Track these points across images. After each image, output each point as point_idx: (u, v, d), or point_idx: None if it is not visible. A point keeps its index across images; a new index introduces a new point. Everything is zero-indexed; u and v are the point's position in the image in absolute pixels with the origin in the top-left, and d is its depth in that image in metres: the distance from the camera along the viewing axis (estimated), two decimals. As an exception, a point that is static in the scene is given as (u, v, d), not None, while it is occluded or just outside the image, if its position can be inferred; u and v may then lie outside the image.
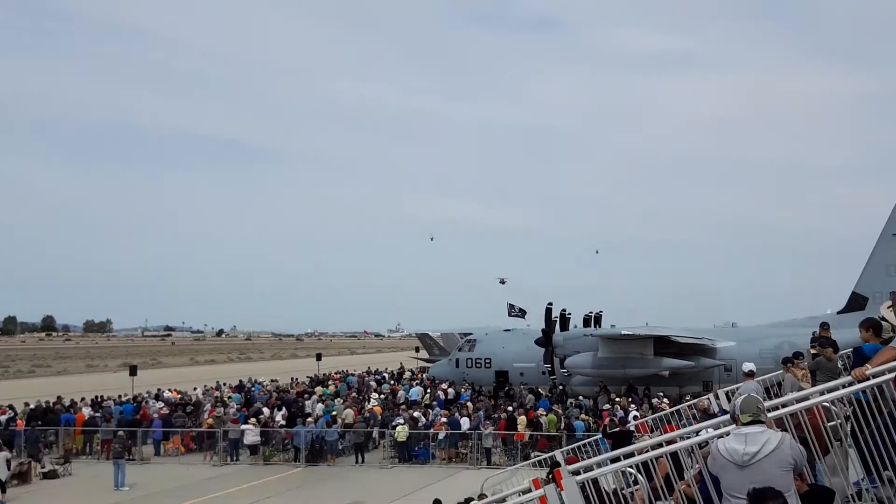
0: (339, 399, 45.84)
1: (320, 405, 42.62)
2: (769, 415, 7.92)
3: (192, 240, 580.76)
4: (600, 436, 20.86)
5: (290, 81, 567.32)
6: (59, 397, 45.97)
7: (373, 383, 56.61)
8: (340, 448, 37.60)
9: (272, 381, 58.88)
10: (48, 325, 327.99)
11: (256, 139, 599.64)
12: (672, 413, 19.79)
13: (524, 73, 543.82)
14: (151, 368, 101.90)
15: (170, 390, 52.98)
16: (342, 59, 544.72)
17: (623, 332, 44.45)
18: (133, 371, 54.84)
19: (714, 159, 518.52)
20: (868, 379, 8.69)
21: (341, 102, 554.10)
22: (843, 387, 9.05)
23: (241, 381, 59.43)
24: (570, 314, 51.14)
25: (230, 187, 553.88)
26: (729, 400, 16.78)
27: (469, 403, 41.03)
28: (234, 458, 37.43)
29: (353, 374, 64.50)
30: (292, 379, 62.99)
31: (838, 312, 42.57)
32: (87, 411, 42.60)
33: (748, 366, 16.94)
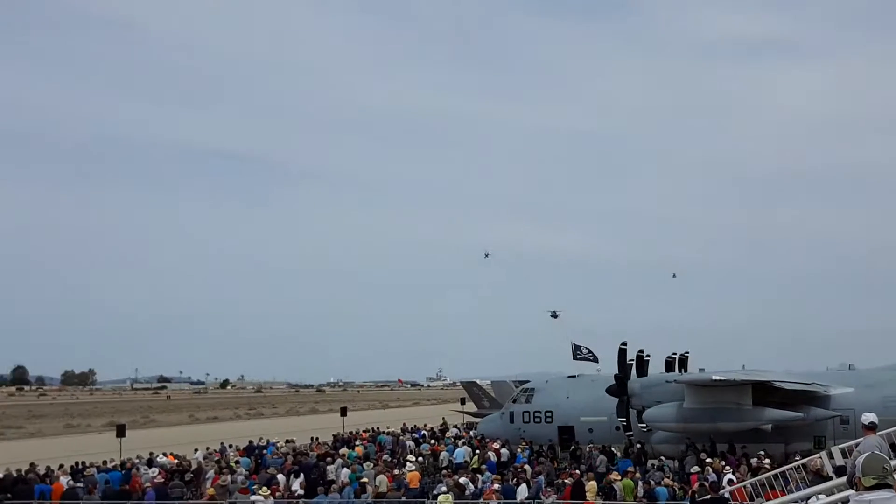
0: (368, 463, 45.79)
1: (346, 470, 42.59)
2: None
3: (189, 273, 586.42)
4: (688, 505, 20.68)
5: (298, 80, 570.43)
6: (32, 464, 46.25)
7: (410, 443, 56.50)
8: (371, 522, 37.54)
9: (288, 441, 58.95)
10: (20, 378, 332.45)
11: (258, 150, 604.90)
12: (776, 476, 19.58)
13: (585, 68, 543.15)
14: (143, 428, 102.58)
15: (165, 454, 53.24)
16: (359, 53, 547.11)
17: (714, 378, 44.02)
18: (121, 431, 55.15)
19: (822, 169, 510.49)
20: None
21: (360, 106, 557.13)
22: None
23: (250, 441, 59.57)
24: (648, 356, 50.86)
25: (231, 208, 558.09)
26: (846, 458, 16.58)
27: (527, 466, 40.82)
28: (243, 536, 37.51)
29: (385, 433, 64.47)
30: (312, 439, 63.04)
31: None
32: (65, 481, 42.83)
33: (869, 417, 16.72)
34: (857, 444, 16.58)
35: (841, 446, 30.64)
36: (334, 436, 63.96)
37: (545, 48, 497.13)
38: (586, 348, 53.10)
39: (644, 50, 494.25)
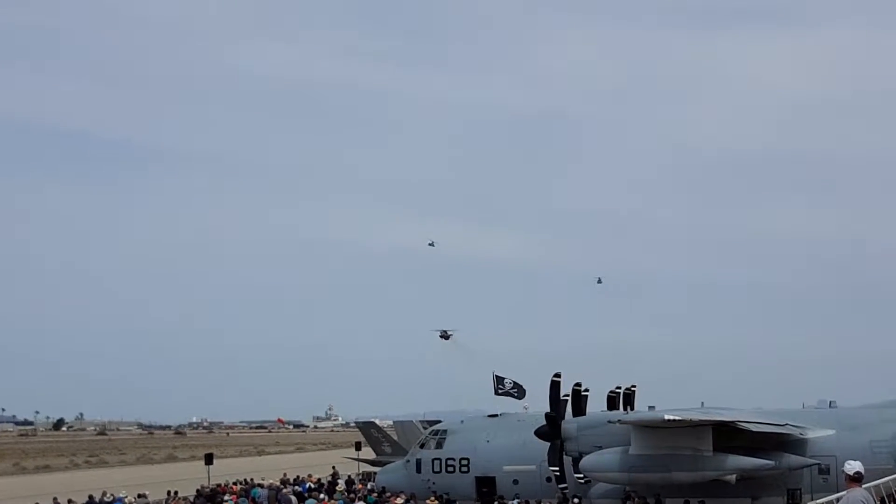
0: (239, 523, 45.57)
1: (211, 533, 42.32)
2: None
3: (9, 283, 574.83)
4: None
5: (168, 45, 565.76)
6: None
7: (292, 498, 56.23)
8: None
9: (139, 496, 58.34)
10: None
11: (110, 130, 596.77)
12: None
13: (525, 33, 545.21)
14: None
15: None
16: (250, 13, 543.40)
17: (667, 417, 44.09)
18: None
19: (809, 159, 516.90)
20: None
21: (251, 76, 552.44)
22: None
23: (90, 497, 58.84)
24: (587, 391, 51.20)
25: (72, 199, 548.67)
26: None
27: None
28: None
29: (261, 485, 64.08)
30: (169, 493, 62.46)
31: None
32: None
33: (854, 466, 16.97)
34: (838, 499, 16.89)
35: (820, 501, 31.17)
36: (197, 490, 63.40)
37: (475, 8, 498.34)
38: (510, 381, 53.37)
39: (599, 11, 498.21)
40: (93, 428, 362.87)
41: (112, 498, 58.84)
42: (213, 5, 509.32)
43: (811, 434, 46.61)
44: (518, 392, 53.38)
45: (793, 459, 45.46)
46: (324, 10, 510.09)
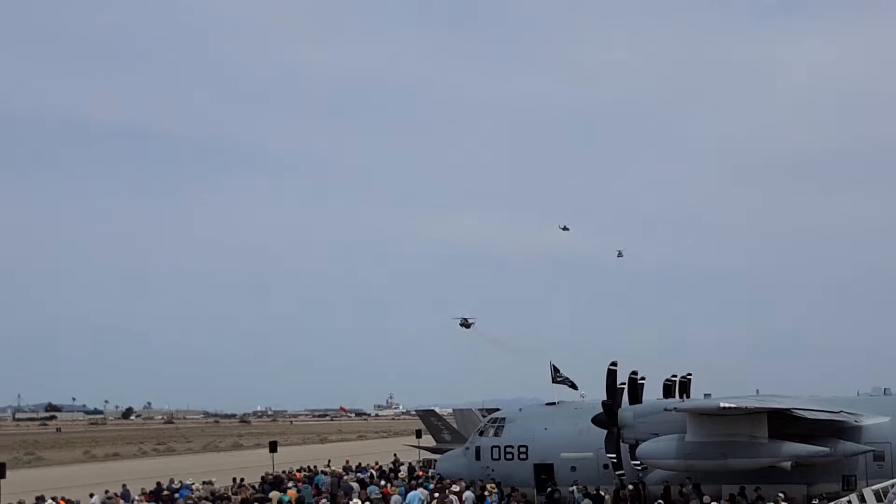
0: (303, 509, 45.74)
1: (276, 518, 42.50)
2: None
3: (80, 279, 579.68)
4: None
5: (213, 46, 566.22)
6: None
7: (354, 485, 56.36)
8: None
9: (205, 483, 58.66)
10: None
11: (163, 129, 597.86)
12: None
13: (571, 29, 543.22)
14: (27, 467, 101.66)
15: (54, 499, 52.87)
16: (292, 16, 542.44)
17: (723, 405, 43.65)
18: (0, 473, 54.58)
19: (867, 153, 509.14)
20: None
21: (291, 75, 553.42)
22: None
23: (158, 484, 59.23)
24: (643, 379, 50.92)
25: (138, 202, 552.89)
26: (881, 502, 16.76)
27: (496, 513, 40.87)
28: None
29: (324, 472, 64.26)
30: (234, 480, 62.78)
31: None
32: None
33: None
34: (893, 485, 16.81)
35: (874, 487, 30.93)
36: (262, 476, 63.67)
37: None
38: (564, 376, 53.29)
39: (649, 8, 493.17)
40: (160, 417, 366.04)
41: (179, 485, 59.23)
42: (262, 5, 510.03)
43: (866, 421, 46.17)
44: (571, 384, 53.32)
45: (848, 446, 45.00)
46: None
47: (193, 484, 58.89)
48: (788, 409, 45.03)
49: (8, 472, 56.33)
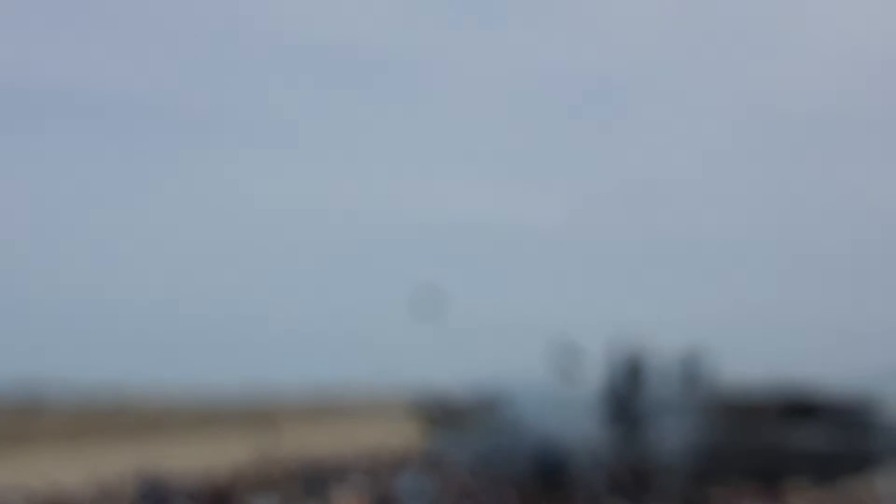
0: None
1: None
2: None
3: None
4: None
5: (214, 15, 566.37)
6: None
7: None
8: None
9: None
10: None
11: (162, 97, 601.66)
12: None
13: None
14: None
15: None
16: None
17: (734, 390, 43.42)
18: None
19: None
20: None
21: (289, 42, 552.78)
22: None
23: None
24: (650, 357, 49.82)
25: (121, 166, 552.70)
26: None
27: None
28: None
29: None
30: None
31: None
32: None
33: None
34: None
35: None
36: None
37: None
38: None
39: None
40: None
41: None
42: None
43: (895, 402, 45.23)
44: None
45: (875, 429, 43.74)
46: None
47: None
48: (813, 390, 44.52)
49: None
